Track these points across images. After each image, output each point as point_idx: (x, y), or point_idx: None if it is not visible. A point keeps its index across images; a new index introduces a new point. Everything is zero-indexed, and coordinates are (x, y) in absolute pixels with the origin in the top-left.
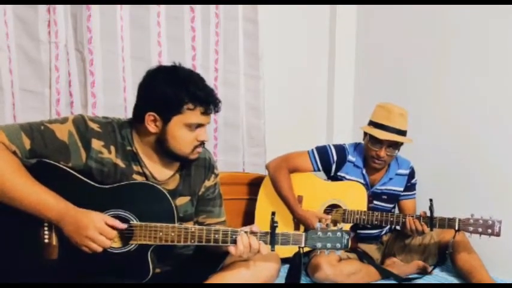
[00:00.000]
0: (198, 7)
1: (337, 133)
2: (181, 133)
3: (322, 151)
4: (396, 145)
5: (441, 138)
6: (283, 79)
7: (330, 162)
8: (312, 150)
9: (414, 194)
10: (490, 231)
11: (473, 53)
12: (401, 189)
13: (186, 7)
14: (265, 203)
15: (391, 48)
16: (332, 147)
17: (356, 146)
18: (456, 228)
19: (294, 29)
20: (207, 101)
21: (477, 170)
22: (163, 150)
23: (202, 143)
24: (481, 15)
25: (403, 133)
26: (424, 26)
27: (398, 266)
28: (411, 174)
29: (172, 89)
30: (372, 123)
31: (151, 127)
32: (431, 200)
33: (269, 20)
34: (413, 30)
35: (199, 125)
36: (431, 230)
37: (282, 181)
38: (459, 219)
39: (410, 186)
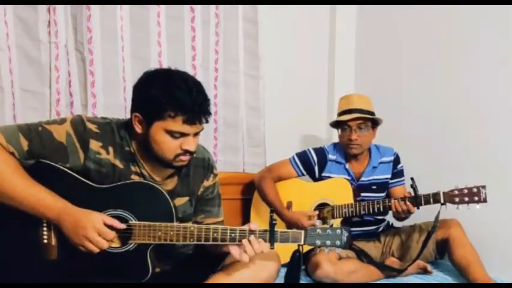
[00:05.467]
0: (198, 7)
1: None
2: (163, 139)
3: (303, 156)
4: (365, 125)
5: (442, 137)
6: (283, 79)
7: (311, 164)
8: (293, 156)
9: (403, 180)
10: (476, 198)
11: (474, 50)
12: (389, 176)
13: (186, 7)
14: (260, 206)
15: (391, 48)
16: (311, 150)
17: (335, 145)
18: (442, 201)
19: (294, 29)
20: (191, 110)
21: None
22: (150, 152)
23: (188, 152)
24: (482, 15)
25: (368, 113)
26: (423, 26)
27: (398, 265)
28: (396, 160)
29: (156, 93)
30: (337, 115)
31: (138, 127)
32: (412, 179)
33: (269, 20)
34: (412, 30)
35: (184, 134)
36: (417, 208)
37: (266, 189)
38: (443, 192)
39: (397, 173)
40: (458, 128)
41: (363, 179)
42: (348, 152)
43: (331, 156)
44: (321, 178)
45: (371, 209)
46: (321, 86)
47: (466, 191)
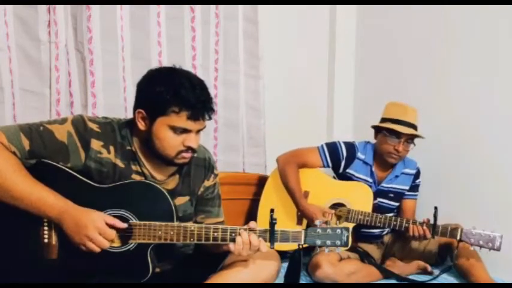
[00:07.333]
0: (198, 7)
1: (337, 133)
2: (166, 135)
3: (332, 147)
4: (412, 140)
5: (443, 140)
6: (283, 79)
7: (339, 158)
8: (322, 145)
9: (416, 194)
10: (490, 245)
11: (474, 51)
12: (407, 188)
13: (186, 7)
14: (270, 200)
15: (391, 48)
16: (342, 144)
17: (366, 144)
18: (458, 238)
19: (294, 29)
20: (195, 106)
21: (480, 173)
22: (151, 150)
23: (190, 149)
24: (481, 15)
25: (416, 129)
26: (423, 26)
27: (399, 266)
28: (417, 175)
29: (160, 89)
30: (388, 120)
31: (141, 124)
32: (436, 208)
33: (269, 20)
34: (412, 30)
35: (186, 130)
36: (433, 237)
37: (290, 175)
38: (461, 230)
39: (414, 186)
40: (458, 128)
41: (383, 184)
42: (387, 159)
43: (360, 155)
44: (344, 174)
45: (386, 224)
46: (321, 86)
47: (483, 235)
